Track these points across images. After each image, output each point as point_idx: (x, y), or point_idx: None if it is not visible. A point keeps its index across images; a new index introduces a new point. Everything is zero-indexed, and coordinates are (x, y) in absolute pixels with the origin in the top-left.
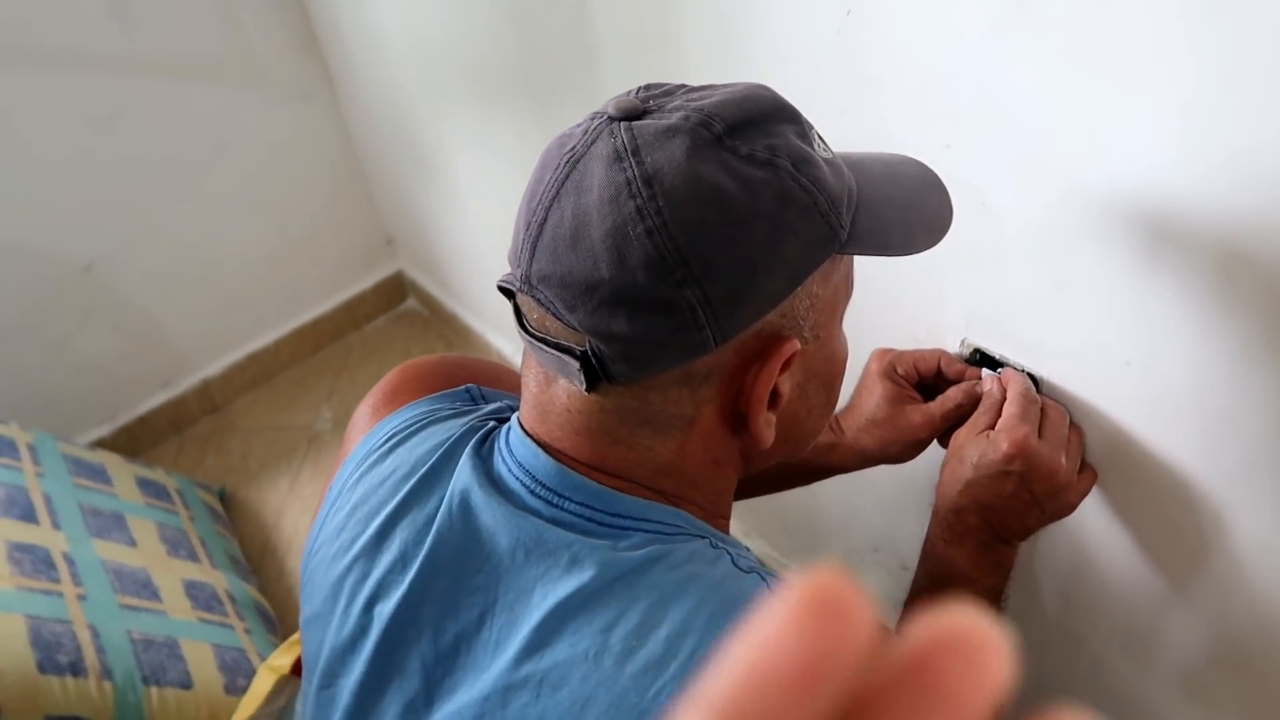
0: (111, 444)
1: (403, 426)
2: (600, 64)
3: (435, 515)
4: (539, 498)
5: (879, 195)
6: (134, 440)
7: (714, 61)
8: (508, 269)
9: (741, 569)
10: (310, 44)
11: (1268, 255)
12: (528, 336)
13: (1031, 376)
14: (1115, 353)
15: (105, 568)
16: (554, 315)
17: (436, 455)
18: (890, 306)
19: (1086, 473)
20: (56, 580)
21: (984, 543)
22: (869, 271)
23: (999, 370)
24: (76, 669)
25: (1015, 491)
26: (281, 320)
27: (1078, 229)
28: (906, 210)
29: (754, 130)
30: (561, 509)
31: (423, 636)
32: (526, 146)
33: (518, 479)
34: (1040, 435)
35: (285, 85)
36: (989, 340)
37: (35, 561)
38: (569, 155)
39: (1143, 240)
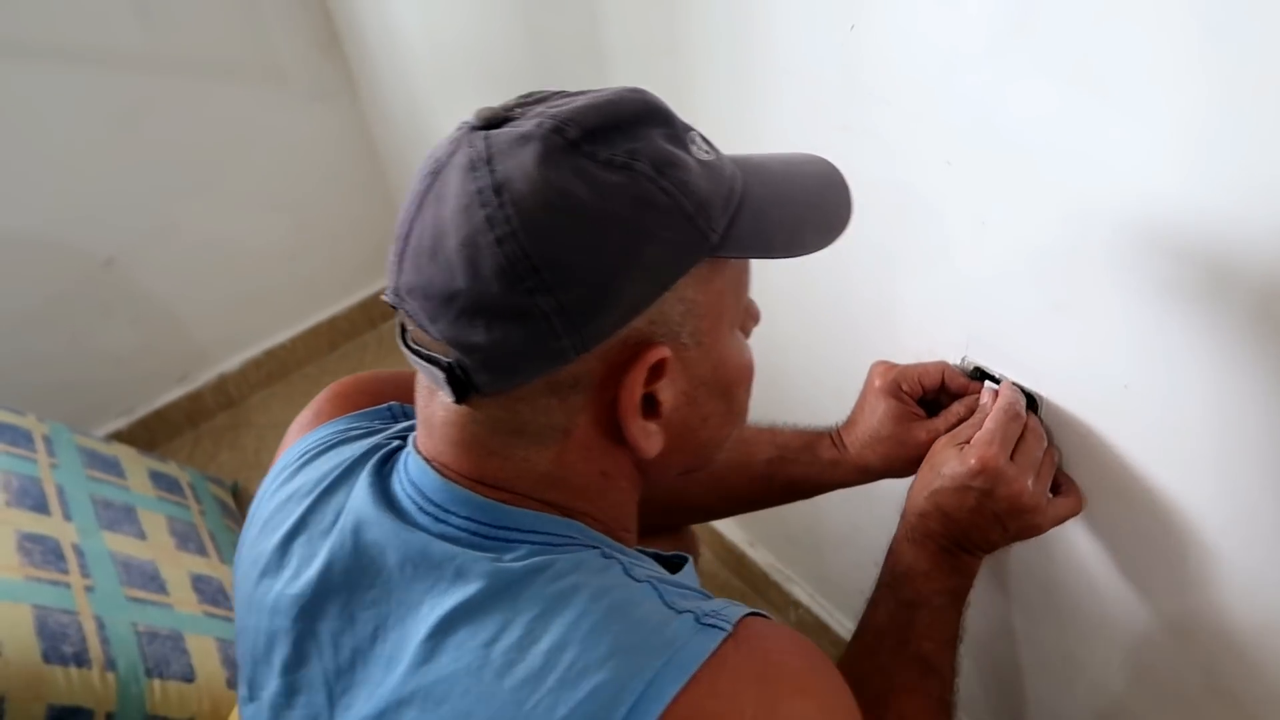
0: (128, 436)
1: (314, 445)
2: (611, 71)
3: (330, 532)
4: (427, 514)
5: (769, 196)
6: (150, 433)
7: (721, 71)
8: None
9: (634, 578)
10: (332, 44)
11: (1269, 279)
12: (405, 349)
13: (1032, 396)
14: (1114, 376)
15: (114, 560)
16: (420, 327)
17: (335, 474)
18: (891, 323)
19: (1067, 500)
20: (65, 571)
21: (945, 548)
22: (869, 287)
23: (999, 384)
24: (81, 659)
25: (977, 506)
26: (299, 318)
27: (1077, 250)
28: (798, 210)
29: (614, 134)
30: (448, 524)
31: (324, 651)
32: None
33: (409, 495)
34: (1013, 456)
35: (307, 85)
36: (989, 359)
37: (45, 552)
38: (433, 166)
39: (1143, 263)
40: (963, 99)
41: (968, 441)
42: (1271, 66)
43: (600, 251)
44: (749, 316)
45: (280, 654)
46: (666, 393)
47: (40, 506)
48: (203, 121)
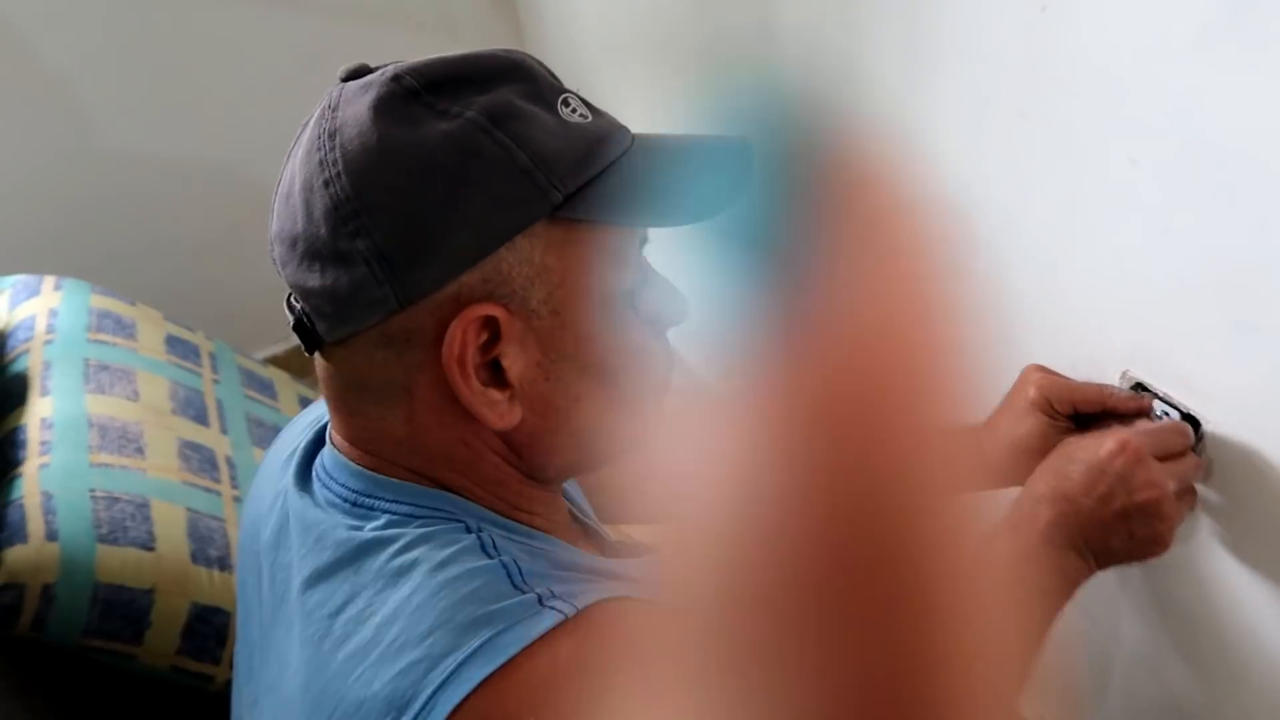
0: (283, 362)
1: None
2: (777, 39)
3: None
4: (319, 480)
5: (649, 166)
6: (303, 360)
7: (895, 47)
8: None
9: (489, 555)
10: (507, 1)
11: None
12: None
13: (1195, 420)
14: None
15: None
16: (280, 274)
17: (282, 451)
18: (1051, 327)
19: (1184, 500)
20: (217, 480)
21: (1050, 538)
22: (1031, 286)
23: (1162, 404)
24: (224, 564)
25: (1107, 493)
26: None
27: (1269, 266)
28: (678, 182)
29: (460, 87)
30: (330, 490)
31: (251, 622)
32: (698, 125)
33: (319, 462)
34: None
35: (477, 37)
36: (1154, 376)
37: (201, 460)
38: (306, 118)
39: None
40: (1160, 93)
41: None
42: None
43: (421, 198)
44: (666, 307)
45: (240, 610)
46: (513, 360)
47: (201, 418)
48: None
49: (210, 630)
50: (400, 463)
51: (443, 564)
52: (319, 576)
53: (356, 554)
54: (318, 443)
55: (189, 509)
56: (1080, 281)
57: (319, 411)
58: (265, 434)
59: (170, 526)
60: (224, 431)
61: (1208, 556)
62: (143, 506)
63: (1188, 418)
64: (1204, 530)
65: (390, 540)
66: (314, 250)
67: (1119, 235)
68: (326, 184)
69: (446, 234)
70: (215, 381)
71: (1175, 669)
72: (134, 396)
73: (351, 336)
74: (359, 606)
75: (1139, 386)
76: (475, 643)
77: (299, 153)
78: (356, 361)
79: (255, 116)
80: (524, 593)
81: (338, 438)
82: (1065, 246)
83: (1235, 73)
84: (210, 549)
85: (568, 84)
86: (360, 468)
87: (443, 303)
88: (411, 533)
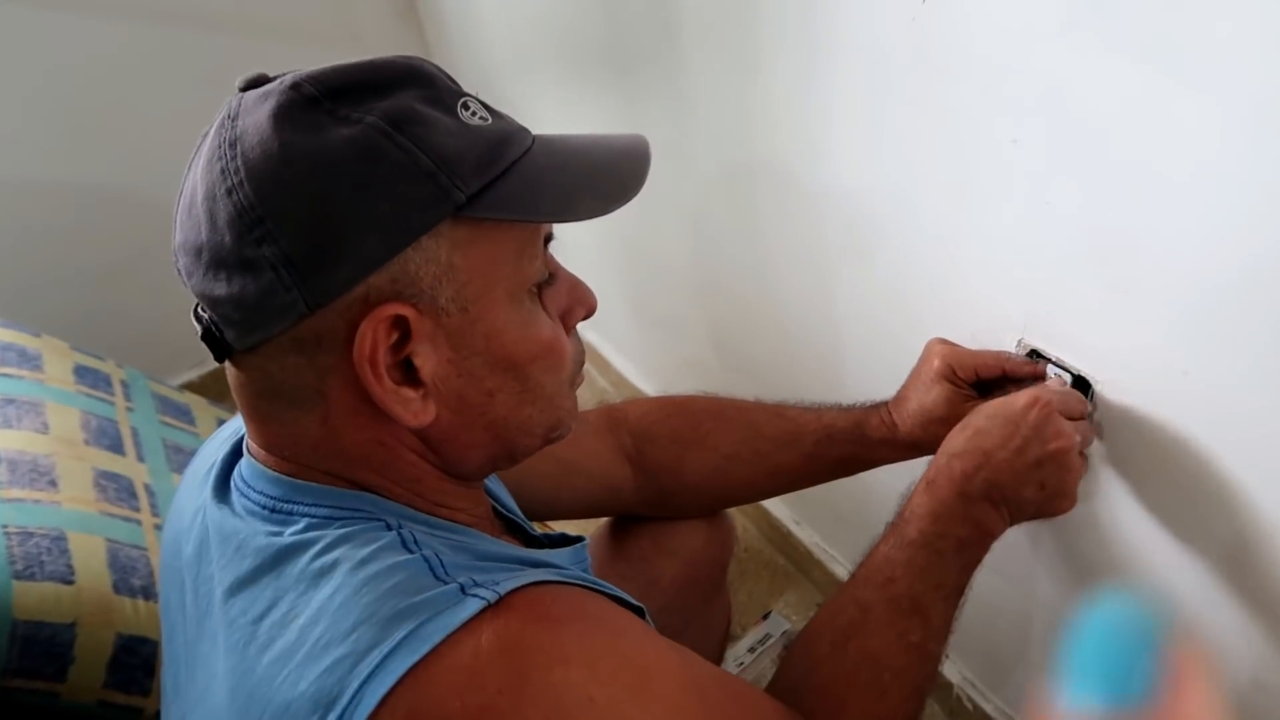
0: (200, 387)
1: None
2: (681, 42)
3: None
4: (238, 490)
5: (551, 164)
6: (221, 385)
7: (791, 45)
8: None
9: (409, 550)
10: (409, 11)
11: None
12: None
13: (1086, 381)
14: (1173, 362)
15: None
16: (185, 284)
17: (200, 467)
18: (948, 301)
19: (1082, 460)
20: (137, 509)
21: (964, 492)
22: (927, 263)
23: (1058, 369)
24: (148, 593)
25: (1022, 446)
26: None
27: (1141, 232)
28: (577, 178)
29: (359, 93)
30: (248, 499)
31: (176, 639)
32: (606, 118)
33: (237, 474)
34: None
35: (382, 50)
36: (1046, 342)
37: (119, 489)
38: (205, 129)
39: (1210, 245)
40: (1034, 76)
41: None
42: None
43: (325, 202)
44: (574, 300)
45: (164, 627)
46: (425, 359)
47: (116, 447)
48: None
49: (137, 661)
50: (318, 466)
51: (363, 561)
52: (241, 584)
53: (277, 559)
54: (235, 454)
55: (108, 539)
56: (974, 257)
57: (235, 425)
58: (184, 460)
59: (90, 558)
60: (141, 459)
61: (1106, 510)
62: (59, 540)
63: (1079, 380)
64: (1101, 486)
65: (310, 543)
66: (219, 258)
67: (1006, 211)
68: (229, 192)
69: (353, 237)
70: (129, 410)
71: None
72: (44, 429)
73: (262, 343)
74: (282, 610)
75: (1034, 353)
76: (399, 634)
77: (199, 163)
78: (268, 368)
79: (159, 138)
80: (446, 583)
81: (254, 446)
82: (958, 225)
83: (1100, 54)
84: (133, 578)
85: (474, 91)
86: (277, 474)
87: (351, 304)
88: (331, 534)
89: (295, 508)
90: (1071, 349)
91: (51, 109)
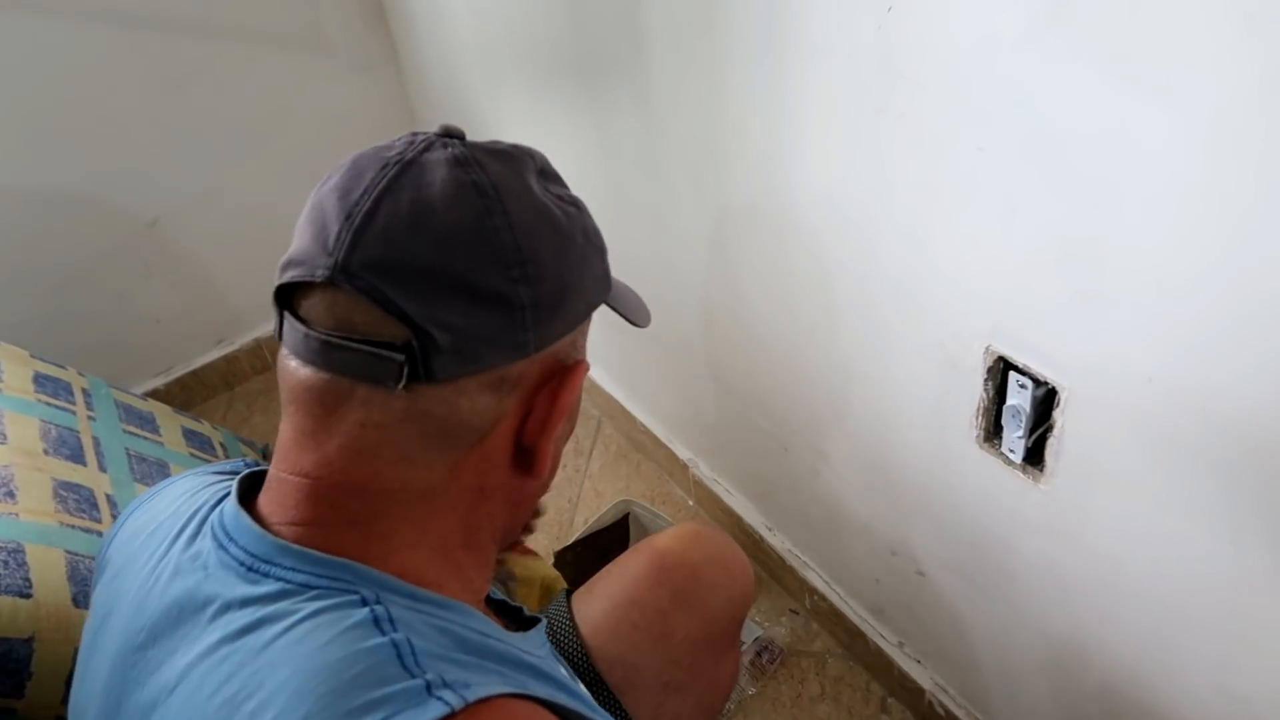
0: (165, 395)
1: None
2: (649, 49)
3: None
4: (216, 539)
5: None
6: (187, 392)
7: (758, 52)
8: None
9: (382, 632)
10: (378, 17)
11: None
12: (320, 336)
13: (1052, 389)
14: (1137, 368)
15: None
16: (378, 303)
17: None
18: (916, 309)
19: None
20: (98, 520)
21: None
22: (894, 272)
23: (1028, 379)
24: None
25: None
26: None
27: (1105, 239)
28: (624, 289)
29: (555, 179)
30: (227, 551)
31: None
32: (575, 126)
33: (215, 526)
34: None
35: (351, 56)
36: (1013, 349)
37: (79, 500)
38: (397, 158)
39: (1172, 252)
40: (997, 84)
41: None
42: None
43: (567, 263)
44: None
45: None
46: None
47: (77, 457)
48: (250, 89)
49: None
50: (358, 515)
51: (326, 644)
52: (204, 654)
53: (241, 632)
54: (215, 508)
55: (68, 551)
56: (940, 265)
57: (204, 482)
58: (148, 469)
59: (48, 571)
60: (102, 469)
61: (1073, 516)
62: (16, 552)
63: (1047, 390)
64: (1069, 493)
65: (277, 617)
66: (464, 286)
67: (972, 219)
68: (497, 230)
69: (575, 298)
70: (91, 419)
71: (1048, 620)
72: (1, 439)
73: (462, 377)
74: (234, 688)
75: (1001, 359)
76: None
77: (426, 192)
78: (456, 402)
79: (122, 142)
80: (412, 677)
81: (297, 481)
82: (925, 233)
83: (1061, 62)
84: None
85: (445, 101)
86: (263, 532)
87: (547, 357)
88: (303, 608)
89: (272, 569)
90: (1038, 357)
91: (11, 111)
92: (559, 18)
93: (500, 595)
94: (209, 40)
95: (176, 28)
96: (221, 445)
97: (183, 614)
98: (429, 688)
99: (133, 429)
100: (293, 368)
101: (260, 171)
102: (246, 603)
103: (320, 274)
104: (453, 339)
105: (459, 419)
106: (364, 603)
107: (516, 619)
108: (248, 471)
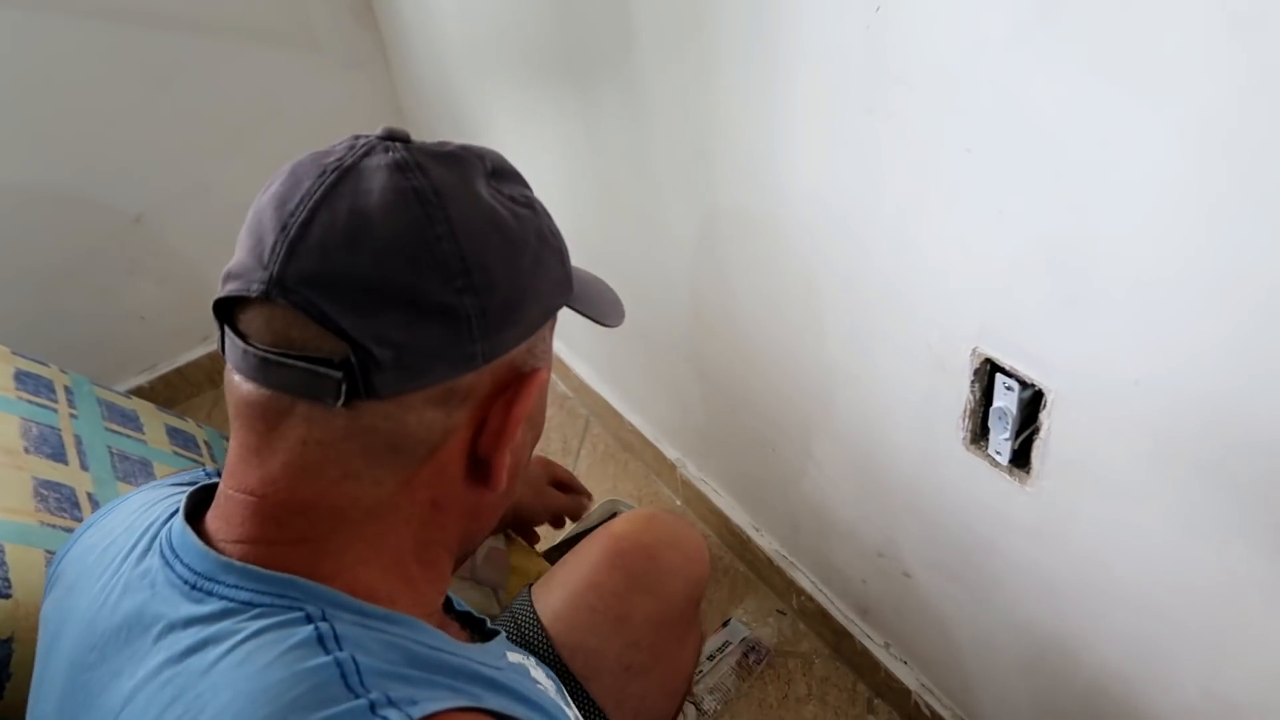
0: (149, 393)
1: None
2: (638, 48)
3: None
4: (163, 557)
5: (578, 273)
6: (172, 390)
7: (746, 51)
8: None
9: (326, 650)
10: (366, 14)
11: None
12: (259, 352)
13: (1039, 391)
14: (1124, 371)
15: None
16: (315, 319)
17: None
18: (904, 310)
19: None
20: (79, 519)
21: None
22: (883, 272)
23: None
24: None
25: None
26: None
27: (1093, 242)
28: (593, 287)
29: (510, 180)
30: (173, 569)
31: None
32: (564, 125)
33: (163, 543)
34: None
35: (339, 52)
36: (1000, 351)
37: (60, 499)
38: (335, 164)
39: (1160, 255)
40: (985, 85)
41: None
42: None
43: (517, 269)
44: None
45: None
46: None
47: (58, 455)
48: (236, 84)
49: None
50: (306, 533)
51: (268, 665)
52: (149, 676)
53: (185, 653)
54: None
55: (48, 551)
56: (928, 266)
57: (153, 496)
58: (130, 468)
59: (28, 570)
60: (84, 468)
61: (1058, 518)
62: None
63: (1033, 392)
64: (1054, 495)
65: (220, 637)
66: (405, 299)
67: (960, 220)
68: (439, 239)
69: (529, 305)
70: (73, 416)
71: (1035, 622)
72: None
73: (406, 392)
74: (177, 713)
75: (988, 361)
76: None
77: (363, 200)
78: (402, 418)
79: (106, 139)
80: (356, 697)
81: (242, 498)
82: (913, 233)
83: (1049, 63)
84: None
85: (434, 98)
86: (206, 549)
87: (500, 366)
88: (246, 627)
89: (215, 587)
90: (1025, 359)
91: None
92: (548, 15)
93: (464, 607)
94: (196, 35)
95: (163, 22)
96: (206, 443)
97: (130, 634)
98: (373, 707)
99: (116, 427)
100: (236, 383)
101: (247, 168)
102: (190, 622)
103: (256, 289)
104: (394, 354)
105: (406, 434)
106: (309, 620)
107: (480, 630)
108: (200, 485)
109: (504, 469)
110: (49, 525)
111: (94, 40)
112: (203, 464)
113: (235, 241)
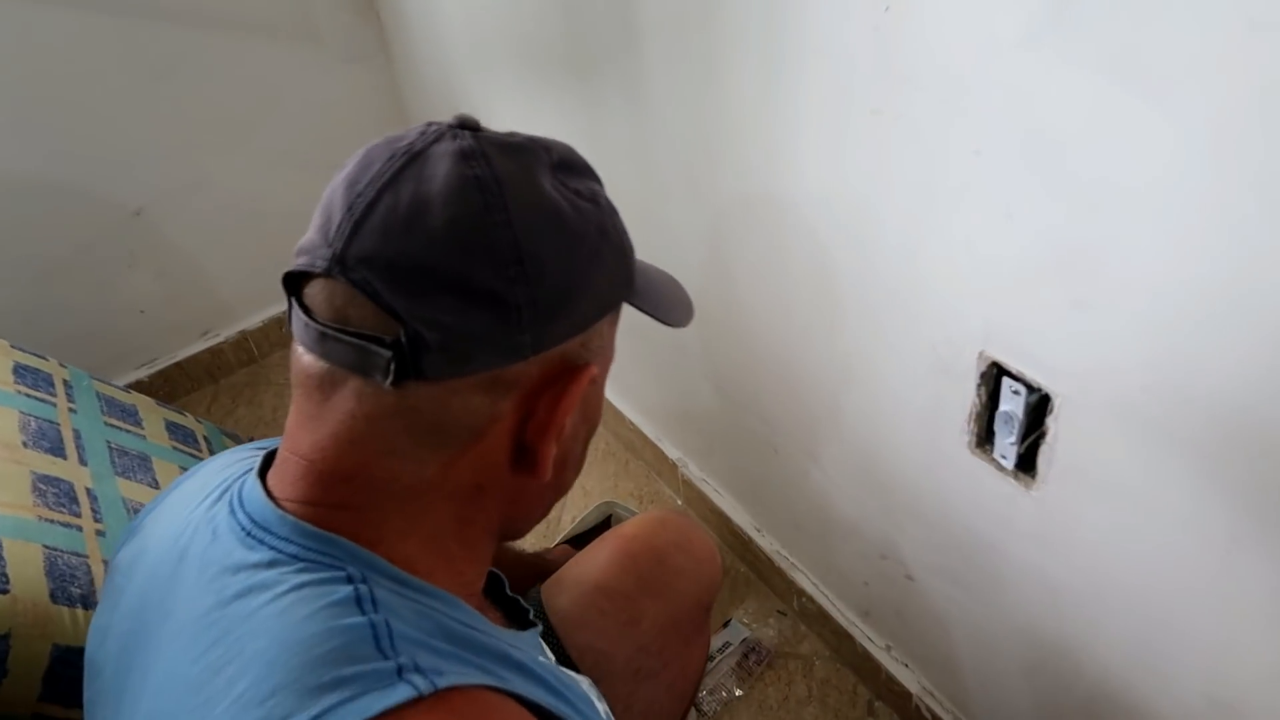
0: (148, 387)
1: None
2: (642, 45)
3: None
4: (230, 506)
5: (639, 267)
6: (171, 384)
7: (753, 49)
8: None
9: (362, 611)
10: (367, 7)
11: None
12: (319, 326)
13: (1046, 395)
14: (1132, 377)
15: (126, 505)
16: (371, 298)
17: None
18: (910, 312)
19: None
20: (77, 514)
21: None
22: (889, 274)
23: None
24: (87, 602)
25: None
26: None
27: (1102, 246)
28: (660, 285)
29: (577, 173)
30: (235, 516)
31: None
32: (567, 122)
33: (234, 492)
34: None
35: (341, 46)
36: (1007, 355)
37: (59, 495)
38: (405, 149)
39: (1168, 260)
40: (995, 87)
41: None
42: None
43: (571, 262)
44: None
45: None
46: (569, 418)
47: (57, 450)
48: (237, 78)
49: (75, 673)
50: (349, 500)
51: (303, 619)
52: (196, 619)
53: (232, 598)
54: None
55: (46, 546)
56: (936, 269)
57: (234, 456)
58: (130, 463)
59: (25, 566)
60: (83, 462)
61: (1063, 524)
62: None
63: (1040, 396)
64: (1059, 500)
65: (265, 586)
66: (456, 284)
67: (968, 223)
68: (495, 226)
69: (581, 299)
70: (71, 411)
71: (1038, 626)
72: None
73: (454, 376)
74: (217, 654)
75: (994, 365)
76: (316, 709)
77: (427, 185)
78: (448, 402)
79: (106, 131)
80: (385, 658)
81: (296, 460)
82: (921, 235)
83: (1060, 66)
84: (72, 587)
85: (437, 91)
86: (268, 502)
87: (552, 357)
88: (289, 579)
89: (267, 537)
90: (1032, 363)
91: None
92: (552, 8)
93: (513, 594)
94: (196, 28)
95: (163, 14)
96: (205, 438)
97: (189, 574)
98: (400, 671)
99: (114, 421)
100: (299, 353)
101: (248, 162)
102: (240, 568)
103: (320, 265)
104: (442, 338)
105: (450, 418)
106: (349, 580)
107: (520, 618)
108: (276, 447)
109: (549, 459)
110: (47, 520)
111: (95, 33)
112: (201, 457)
113: (236, 234)
